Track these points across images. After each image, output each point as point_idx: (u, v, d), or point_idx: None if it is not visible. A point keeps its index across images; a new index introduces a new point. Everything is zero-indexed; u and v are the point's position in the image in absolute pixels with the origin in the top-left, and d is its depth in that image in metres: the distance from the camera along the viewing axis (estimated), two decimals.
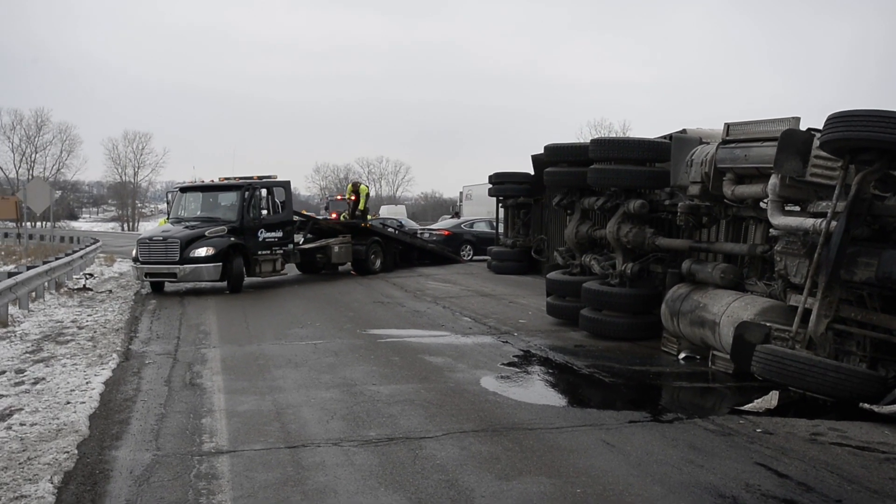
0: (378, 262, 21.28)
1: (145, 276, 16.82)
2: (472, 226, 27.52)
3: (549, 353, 9.97)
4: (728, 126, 8.87)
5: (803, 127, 7.80)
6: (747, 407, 7.19)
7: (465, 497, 4.94)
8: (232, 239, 16.88)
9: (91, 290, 17.03)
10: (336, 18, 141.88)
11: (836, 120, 6.62)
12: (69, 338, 10.75)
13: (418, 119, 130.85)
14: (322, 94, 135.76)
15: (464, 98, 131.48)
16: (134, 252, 17.28)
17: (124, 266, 22.97)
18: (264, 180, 18.45)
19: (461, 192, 41.67)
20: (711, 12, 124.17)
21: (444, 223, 30.37)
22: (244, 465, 5.54)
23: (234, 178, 18.37)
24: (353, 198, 22.80)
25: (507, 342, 10.72)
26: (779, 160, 7.49)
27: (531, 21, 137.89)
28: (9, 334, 10.99)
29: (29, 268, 14.46)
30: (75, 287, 17.30)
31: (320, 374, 8.52)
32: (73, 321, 12.37)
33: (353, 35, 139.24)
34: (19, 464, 5.47)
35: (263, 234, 17.89)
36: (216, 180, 18.73)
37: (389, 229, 23.64)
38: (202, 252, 16.34)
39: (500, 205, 22.63)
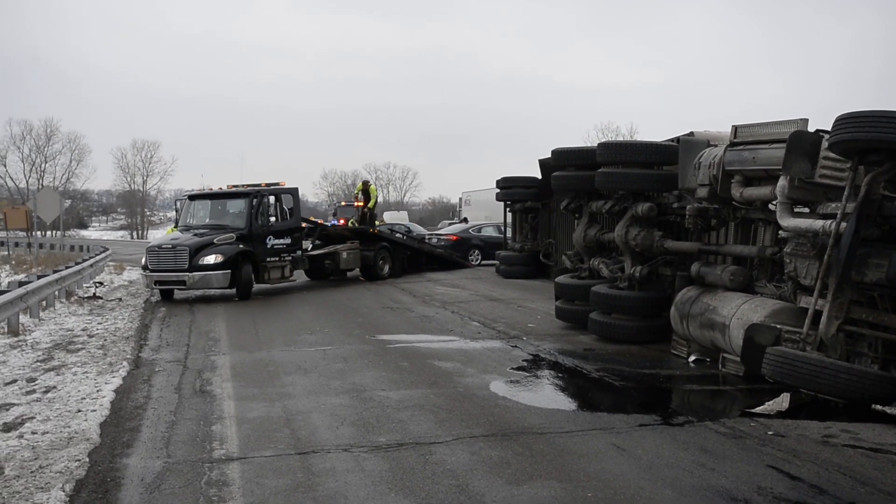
0: (386, 268, 21.30)
1: (155, 284, 16.88)
2: (480, 230, 27.51)
3: (559, 357, 9.95)
4: (736, 128, 8.84)
5: (811, 128, 7.78)
6: (758, 409, 7.16)
7: (476, 502, 4.93)
8: (241, 246, 16.92)
9: (101, 298, 17.11)
10: (341, 23, 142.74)
11: (845, 121, 6.59)
12: (80, 346, 10.80)
13: (425, 124, 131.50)
14: (329, 99, 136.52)
15: (470, 102, 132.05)
16: (143, 260, 17.34)
17: (134, 274, 23.07)
18: (272, 187, 18.50)
19: (460, 198, 42.38)
20: (713, 13, 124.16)
21: (452, 228, 30.37)
22: (255, 471, 5.54)
23: (243, 186, 18.43)
24: (359, 203, 22.85)
25: (516, 346, 10.71)
26: (787, 162, 7.46)
27: (536, 24, 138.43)
28: (20, 343, 11.05)
29: (39, 277, 14.54)
30: (85, 295, 17.39)
31: (330, 380, 8.52)
32: (83, 329, 12.43)
33: (358, 40, 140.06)
34: (31, 472, 5.49)
35: (272, 241, 17.93)
36: (224, 188, 18.80)
37: (397, 235, 23.68)
38: (211, 259, 16.39)
39: (508, 209, 22.62)
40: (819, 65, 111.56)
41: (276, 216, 18.35)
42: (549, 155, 13.81)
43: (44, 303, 14.35)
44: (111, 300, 16.85)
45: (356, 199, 24.04)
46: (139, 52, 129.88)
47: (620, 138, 58.64)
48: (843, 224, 6.77)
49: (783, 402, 7.24)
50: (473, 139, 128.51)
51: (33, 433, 6.47)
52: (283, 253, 18.27)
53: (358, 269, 21.13)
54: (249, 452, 5.98)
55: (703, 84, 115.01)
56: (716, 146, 9.52)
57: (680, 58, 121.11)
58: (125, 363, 9.49)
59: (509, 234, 23.06)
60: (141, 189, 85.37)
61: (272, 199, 18.26)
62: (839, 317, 6.97)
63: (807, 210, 7.93)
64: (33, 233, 33.28)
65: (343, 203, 37.90)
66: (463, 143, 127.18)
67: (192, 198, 19.38)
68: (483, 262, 25.52)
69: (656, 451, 5.92)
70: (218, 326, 12.98)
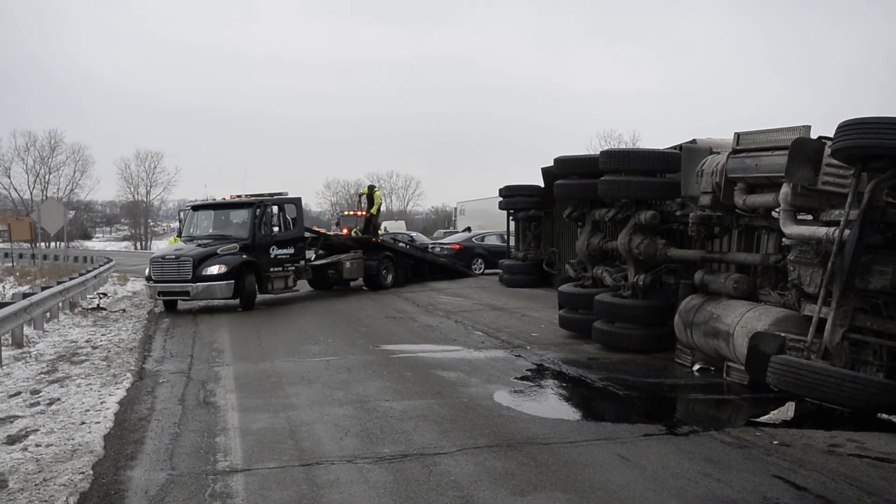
0: (390, 277, 21.31)
1: (158, 295, 16.90)
2: (483, 239, 27.52)
3: (563, 367, 9.92)
4: (738, 135, 8.84)
5: (814, 135, 7.77)
6: (763, 419, 7.13)
7: None
8: (244, 256, 16.95)
9: (105, 309, 17.13)
10: (344, 33, 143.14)
11: (848, 127, 6.59)
12: (83, 358, 10.81)
13: (428, 133, 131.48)
14: (332, 109, 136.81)
15: (473, 110, 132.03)
16: (147, 271, 17.37)
17: (137, 285, 23.10)
18: (275, 197, 18.54)
19: (455, 208, 43.04)
20: (717, 19, 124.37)
21: (455, 237, 30.38)
22: (259, 483, 5.53)
23: (246, 196, 18.46)
24: (362, 213, 22.89)
25: (519, 356, 10.69)
26: (790, 169, 7.46)
27: (539, 32, 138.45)
28: (24, 355, 11.06)
29: (43, 288, 14.57)
30: (89, 307, 17.40)
31: (333, 391, 8.51)
32: (87, 341, 12.44)
33: (362, 49, 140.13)
34: (35, 485, 5.49)
35: (275, 251, 17.96)
36: (228, 198, 18.83)
37: (400, 244, 23.69)
38: (214, 270, 16.41)
39: (511, 218, 22.63)
40: (823, 70, 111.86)
41: (280, 226, 18.36)
42: (552, 163, 13.82)
43: (48, 314, 14.37)
44: (115, 311, 16.86)
45: (360, 203, 24.09)
46: (143, 63, 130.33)
47: (623, 146, 58.73)
48: (847, 231, 6.76)
49: (788, 411, 7.21)
50: (476, 147, 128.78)
51: (37, 446, 6.47)
52: (286, 263, 18.29)
53: (361, 279, 21.14)
54: (253, 464, 5.97)
55: (706, 91, 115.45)
56: (718, 153, 9.53)
57: (683, 64, 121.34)
58: (129, 375, 9.49)
59: (512, 242, 23.07)
60: (144, 200, 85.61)
61: (275, 209, 18.29)
62: (843, 325, 6.94)
63: (810, 217, 7.93)
64: (37, 244, 33.37)
65: (346, 212, 37.98)
66: (465, 151, 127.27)
67: (196, 208, 19.42)
68: (486, 271, 25.51)
69: (661, 461, 5.90)
70: (221, 337, 12.98)
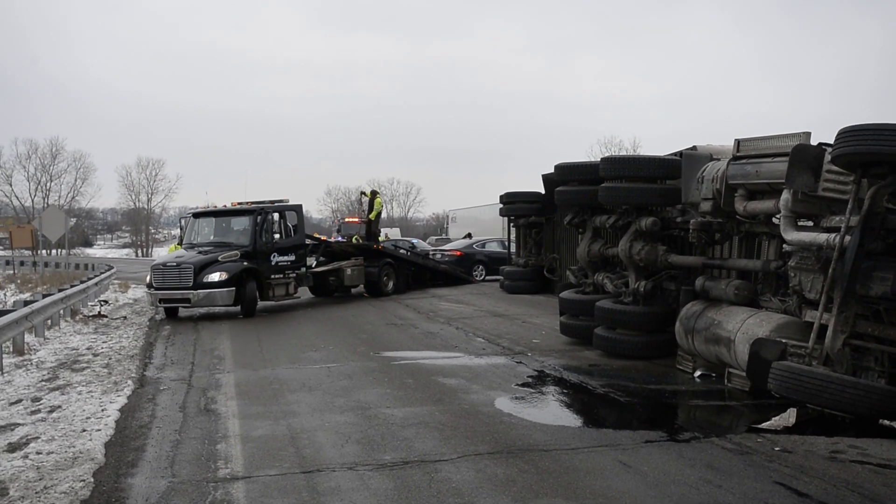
0: (390, 284, 21.31)
1: (159, 302, 16.89)
2: (483, 246, 27.54)
3: (564, 373, 9.91)
4: (738, 142, 8.86)
5: (814, 141, 7.78)
6: (765, 425, 7.12)
7: None
8: (245, 263, 16.95)
9: (106, 316, 17.13)
10: (347, 40, 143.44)
11: (848, 134, 6.60)
12: (84, 365, 10.80)
13: (429, 139, 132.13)
14: (333, 116, 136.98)
15: (472, 118, 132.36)
16: (148, 278, 17.38)
17: (138, 292, 23.11)
18: (276, 204, 18.54)
19: (447, 216, 43.46)
20: (719, 25, 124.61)
21: (456, 243, 30.40)
22: (260, 490, 5.53)
23: (247, 203, 18.48)
24: (359, 220, 22.96)
25: (520, 362, 10.68)
26: (790, 175, 7.46)
27: (540, 40, 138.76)
28: (25, 362, 11.06)
29: (45, 296, 14.57)
30: (90, 314, 17.40)
31: (334, 398, 8.51)
32: (88, 348, 12.43)
33: (364, 56, 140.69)
34: (36, 493, 5.48)
35: (276, 258, 17.96)
36: (229, 205, 18.86)
37: (401, 251, 23.70)
38: (216, 277, 16.42)
39: (512, 224, 22.64)
40: (819, 77, 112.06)
41: (281, 233, 18.37)
42: (553, 170, 13.84)
43: (49, 322, 14.37)
44: (116, 318, 16.87)
45: (361, 201, 24.19)
46: (145, 70, 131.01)
47: (623, 152, 58.83)
48: (847, 237, 6.76)
49: (790, 417, 7.20)
50: (476, 154, 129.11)
51: (38, 453, 6.46)
52: (287, 270, 18.29)
53: (362, 286, 21.13)
54: (254, 471, 5.97)
55: (707, 97, 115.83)
56: (719, 160, 9.54)
57: (684, 70, 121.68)
58: (130, 382, 9.48)
59: (513, 249, 23.07)
60: (145, 207, 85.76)
61: (276, 216, 18.29)
62: (845, 331, 6.94)
63: (811, 223, 7.92)
64: (38, 251, 33.42)
65: (347, 219, 38.08)
66: (466, 158, 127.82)
67: (197, 215, 19.45)
68: (487, 277, 25.51)
69: (662, 468, 5.89)
70: (222, 344, 12.98)
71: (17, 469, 6.03)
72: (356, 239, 23.10)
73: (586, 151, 67.69)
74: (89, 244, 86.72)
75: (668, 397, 8.69)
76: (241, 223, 18.02)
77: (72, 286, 17.64)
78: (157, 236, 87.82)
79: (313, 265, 20.22)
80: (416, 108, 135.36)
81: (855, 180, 6.92)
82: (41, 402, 8.51)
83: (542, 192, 19.73)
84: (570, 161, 13.23)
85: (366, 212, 23.13)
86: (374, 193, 24.02)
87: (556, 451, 6.38)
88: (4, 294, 22.33)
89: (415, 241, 37.11)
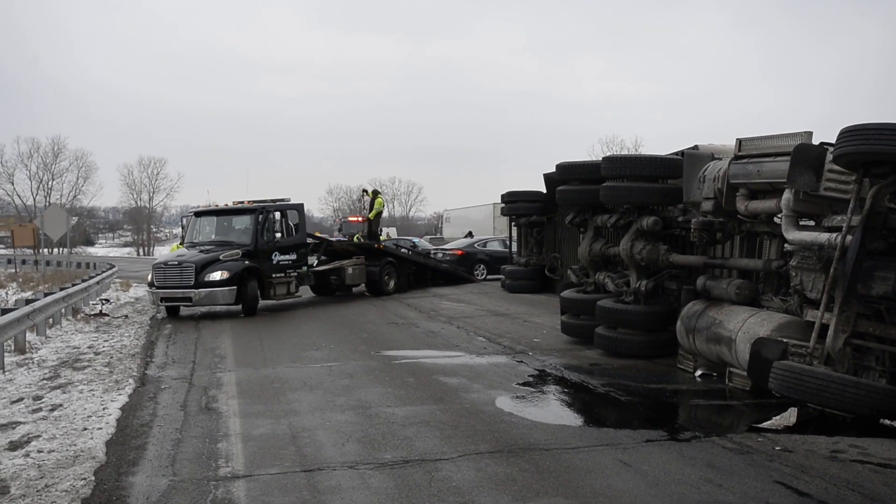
0: (392, 283, 21.32)
1: (161, 301, 16.90)
2: (485, 245, 27.56)
3: (565, 373, 9.92)
4: (740, 141, 8.85)
5: (816, 141, 7.78)
6: (766, 424, 7.12)
7: None
8: (246, 262, 16.95)
9: (107, 315, 17.14)
10: (348, 40, 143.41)
11: (849, 133, 6.60)
12: (86, 364, 10.81)
13: (429, 139, 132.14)
14: (334, 115, 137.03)
15: (474, 117, 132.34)
16: (149, 277, 17.39)
17: (140, 291, 23.12)
18: (278, 203, 18.55)
19: (441, 216, 43.83)
20: (720, 25, 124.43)
21: (457, 242, 30.40)
22: (260, 489, 5.53)
23: (248, 202, 18.49)
24: (360, 218, 22.99)
25: (521, 362, 10.68)
26: (792, 175, 7.46)
27: (541, 39, 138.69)
28: (27, 361, 11.07)
29: (46, 294, 14.58)
30: (92, 313, 17.42)
31: (335, 397, 8.51)
32: (89, 347, 12.45)
33: (365, 56, 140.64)
34: (37, 491, 5.49)
35: (277, 257, 17.96)
36: (230, 204, 18.86)
37: (403, 250, 23.70)
38: (217, 276, 16.42)
39: (513, 223, 22.65)
40: (823, 76, 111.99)
41: (282, 232, 18.37)
42: (554, 169, 13.84)
43: (50, 320, 14.39)
44: (117, 317, 16.88)
45: (362, 198, 24.24)
46: (145, 70, 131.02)
47: (625, 152, 58.86)
48: (849, 237, 6.76)
49: (790, 416, 7.20)
50: (478, 153, 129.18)
51: (39, 452, 6.47)
52: (288, 269, 18.29)
53: (363, 285, 21.15)
54: (255, 470, 5.97)
55: (707, 97, 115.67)
56: (720, 159, 9.53)
57: (684, 70, 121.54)
58: (131, 381, 9.49)
59: (515, 248, 23.06)
60: (147, 206, 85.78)
61: (278, 215, 18.29)
62: (846, 330, 6.93)
63: (812, 223, 7.92)
64: (40, 250, 33.45)
65: (349, 218, 38.11)
66: (467, 157, 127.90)
67: (198, 214, 19.45)
68: (488, 276, 25.51)
69: (663, 467, 5.89)
70: (224, 343, 12.99)
71: (19, 467, 6.04)
72: (358, 238, 23.11)
73: (588, 151, 67.83)
74: (91, 243, 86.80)
75: (669, 396, 8.69)
76: (243, 222, 18.02)
77: (73, 285, 17.65)
78: (158, 235, 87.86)
79: (314, 264, 20.22)
80: (415, 108, 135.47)
81: (857, 180, 6.92)
82: (42, 400, 8.52)
83: (544, 191, 19.73)
84: (571, 160, 13.22)
85: (367, 210, 23.17)
86: (375, 193, 24.05)
87: (557, 450, 6.38)
88: (6, 292, 22.37)
89: (416, 240, 37.10)
